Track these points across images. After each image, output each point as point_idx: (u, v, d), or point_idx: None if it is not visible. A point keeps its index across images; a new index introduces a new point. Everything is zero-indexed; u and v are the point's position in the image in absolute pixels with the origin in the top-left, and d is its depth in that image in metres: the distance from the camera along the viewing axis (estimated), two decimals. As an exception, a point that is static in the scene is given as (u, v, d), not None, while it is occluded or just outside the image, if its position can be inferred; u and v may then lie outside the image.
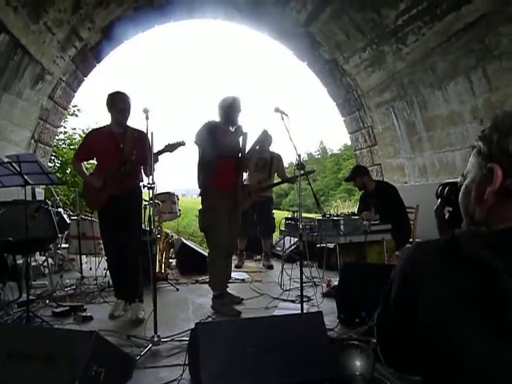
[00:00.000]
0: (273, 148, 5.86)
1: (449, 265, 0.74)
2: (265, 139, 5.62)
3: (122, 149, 3.51)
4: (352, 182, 4.86)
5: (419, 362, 0.78)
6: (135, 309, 3.46)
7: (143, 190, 3.44)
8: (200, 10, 6.67)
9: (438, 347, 0.72)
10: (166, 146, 3.43)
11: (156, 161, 3.38)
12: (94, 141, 3.61)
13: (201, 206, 3.79)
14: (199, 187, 3.78)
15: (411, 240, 4.59)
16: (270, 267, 5.66)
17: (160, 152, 3.42)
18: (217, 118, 3.81)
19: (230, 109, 3.75)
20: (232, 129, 3.81)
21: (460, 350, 0.68)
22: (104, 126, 3.65)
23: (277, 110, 3.30)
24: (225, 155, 3.65)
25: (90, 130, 3.73)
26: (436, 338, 0.72)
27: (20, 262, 4.14)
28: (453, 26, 4.76)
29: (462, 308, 0.70)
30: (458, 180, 0.90)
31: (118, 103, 3.50)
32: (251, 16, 6.80)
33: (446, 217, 0.97)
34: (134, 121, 3.67)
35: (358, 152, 7.92)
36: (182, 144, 3.42)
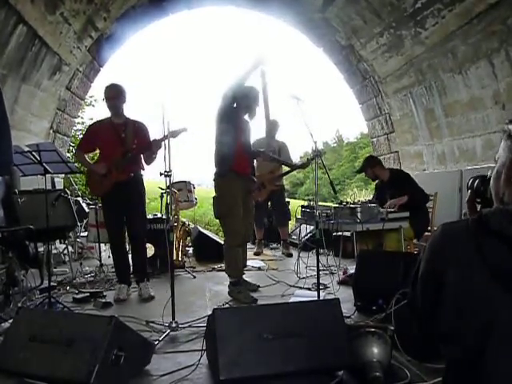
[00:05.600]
0: (282, 136, 5.86)
1: (477, 240, 0.75)
2: (272, 127, 5.64)
3: (123, 138, 3.72)
4: (364, 174, 4.79)
5: (444, 342, 0.78)
6: (144, 288, 3.74)
7: (160, 178, 3.49)
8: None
9: (468, 318, 0.73)
10: (168, 133, 3.49)
11: (159, 147, 3.54)
12: (96, 132, 3.80)
13: (215, 193, 3.79)
14: (216, 166, 3.74)
15: (429, 228, 4.52)
16: (290, 255, 5.67)
17: (163, 138, 3.49)
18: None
19: (254, 100, 3.76)
20: (249, 119, 3.86)
21: (490, 319, 0.70)
22: (105, 118, 3.84)
23: (292, 95, 3.26)
24: (242, 142, 3.68)
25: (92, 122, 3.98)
26: (465, 310, 0.73)
27: (41, 249, 4.24)
28: (474, 7, 4.61)
29: (490, 280, 0.71)
30: (488, 174, 0.92)
31: (106, 94, 3.70)
32: (263, 2, 6.71)
33: (478, 208, 1.00)
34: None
35: (374, 139, 7.81)
36: (184, 130, 3.50)
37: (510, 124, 0.83)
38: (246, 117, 3.84)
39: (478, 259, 0.74)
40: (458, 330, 0.75)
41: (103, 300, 3.51)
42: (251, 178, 3.89)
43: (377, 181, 4.75)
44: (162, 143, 3.51)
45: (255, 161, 5.37)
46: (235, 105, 3.70)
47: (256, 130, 4.64)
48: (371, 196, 5.26)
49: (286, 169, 5.85)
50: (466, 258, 0.75)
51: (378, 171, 4.55)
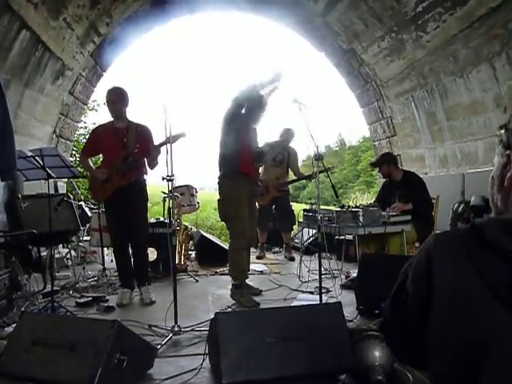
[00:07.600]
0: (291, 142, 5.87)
1: (471, 251, 0.73)
2: (289, 135, 5.72)
3: (125, 143, 3.71)
4: (377, 168, 4.79)
5: (432, 353, 0.76)
6: (146, 292, 3.75)
7: (162, 183, 3.50)
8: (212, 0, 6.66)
9: (461, 333, 0.70)
10: (167, 138, 3.44)
11: (158, 152, 3.59)
12: (99, 136, 3.79)
13: (219, 196, 3.77)
14: (221, 167, 3.73)
15: (432, 231, 4.51)
16: (292, 259, 5.68)
17: (161, 144, 3.55)
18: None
19: (260, 108, 3.75)
20: (254, 126, 3.86)
21: (485, 335, 0.67)
22: (108, 122, 3.82)
23: (295, 101, 3.28)
24: (248, 145, 3.69)
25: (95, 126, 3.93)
26: (457, 325, 0.71)
27: (44, 254, 4.25)
28: (475, 11, 4.62)
29: (485, 293, 0.69)
30: (472, 199, 0.93)
31: (107, 97, 3.70)
32: (266, 7, 6.73)
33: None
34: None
35: (376, 143, 7.82)
36: (182, 135, 3.47)
37: (500, 129, 0.82)
38: (254, 125, 3.87)
39: (472, 271, 0.71)
40: (448, 344, 0.72)
41: (106, 304, 3.52)
42: (256, 181, 3.89)
43: (385, 180, 4.74)
44: (161, 148, 3.56)
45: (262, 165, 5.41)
46: (244, 110, 3.69)
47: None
48: (374, 198, 5.26)
49: (292, 177, 5.87)
50: (459, 269, 0.73)
51: (393, 170, 4.54)
